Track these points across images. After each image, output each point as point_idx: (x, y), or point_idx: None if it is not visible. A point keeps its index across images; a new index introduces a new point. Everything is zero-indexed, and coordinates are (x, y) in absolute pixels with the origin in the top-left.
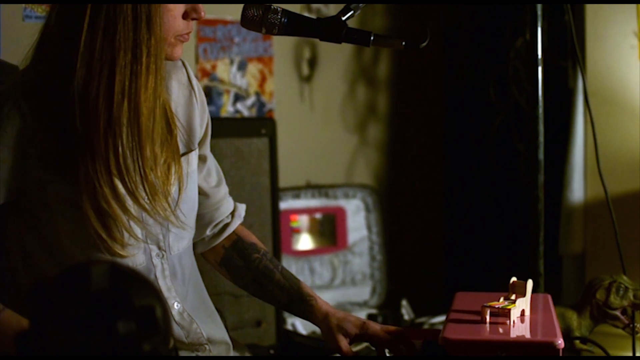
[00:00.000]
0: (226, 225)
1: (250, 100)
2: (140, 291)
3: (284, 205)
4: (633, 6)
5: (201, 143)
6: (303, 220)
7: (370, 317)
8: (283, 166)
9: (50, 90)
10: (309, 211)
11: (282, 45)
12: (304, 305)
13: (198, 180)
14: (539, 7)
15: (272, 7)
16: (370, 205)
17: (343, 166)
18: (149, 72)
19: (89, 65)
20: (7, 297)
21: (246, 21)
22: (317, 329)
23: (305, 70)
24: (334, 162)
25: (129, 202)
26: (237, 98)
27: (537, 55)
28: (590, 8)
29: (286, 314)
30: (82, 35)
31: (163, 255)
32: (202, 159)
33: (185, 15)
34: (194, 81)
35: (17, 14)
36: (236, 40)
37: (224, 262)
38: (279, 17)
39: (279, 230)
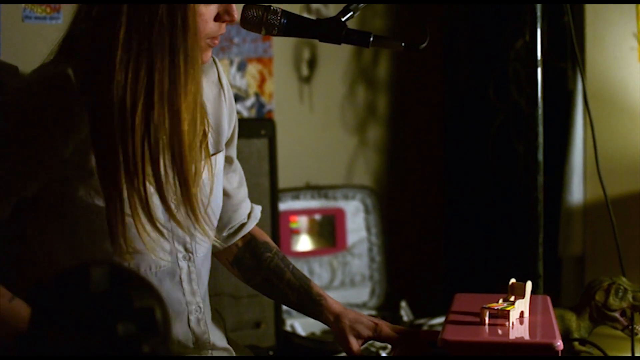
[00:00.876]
0: (242, 226)
1: (250, 101)
2: (140, 293)
3: (283, 206)
4: (633, 8)
5: (228, 144)
6: (302, 221)
7: None
8: (282, 167)
9: (87, 86)
10: (308, 212)
11: (282, 46)
12: (315, 305)
13: (223, 182)
14: (539, 8)
15: (272, 8)
16: (369, 207)
17: (342, 167)
18: (187, 77)
19: (127, 69)
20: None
21: (245, 22)
22: (316, 330)
23: (305, 71)
24: (334, 163)
25: (161, 210)
26: (237, 99)
27: (536, 56)
28: (590, 10)
29: (285, 315)
30: (119, 39)
31: (190, 258)
32: (228, 160)
33: (217, 18)
34: (224, 80)
35: (16, 14)
36: (235, 40)
37: (236, 261)
38: (279, 17)
39: (278, 231)
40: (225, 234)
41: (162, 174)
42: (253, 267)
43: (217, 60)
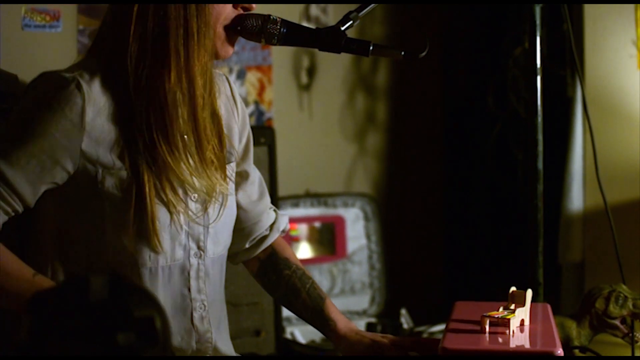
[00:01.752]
0: (264, 239)
1: (249, 109)
2: (140, 302)
3: (283, 213)
4: (632, 15)
5: (243, 159)
6: (302, 229)
7: (370, 326)
8: (282, 175)
9: (109, 76)
10: (308, 220)
11: (281, 54)
12: (324, 328)
13: (240, 196)
14: (538, 15)
15: (271, 17)
16: (369, 214)
17: (342, 175)
18: (199, 47)
19: (141, 40)
20: None
21: (245, 31)
22: (316, 338)
23: (304, 78)
24: (333, 170)
25: (181, 188)
26: None
27: (536, 64)
28: (589, 17)
29: (285, 323)
30: (133, 13)
31: (201, 255)
32: (243, 175)
33: (234, 5)
34: (237, 96)
35: (16, 23)
36: (235, 48)
37: (259, 274)
38: (278, 27)
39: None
40: (247, 245)
41: (179, 140)
42: (273, 283)
43: (230, 79)
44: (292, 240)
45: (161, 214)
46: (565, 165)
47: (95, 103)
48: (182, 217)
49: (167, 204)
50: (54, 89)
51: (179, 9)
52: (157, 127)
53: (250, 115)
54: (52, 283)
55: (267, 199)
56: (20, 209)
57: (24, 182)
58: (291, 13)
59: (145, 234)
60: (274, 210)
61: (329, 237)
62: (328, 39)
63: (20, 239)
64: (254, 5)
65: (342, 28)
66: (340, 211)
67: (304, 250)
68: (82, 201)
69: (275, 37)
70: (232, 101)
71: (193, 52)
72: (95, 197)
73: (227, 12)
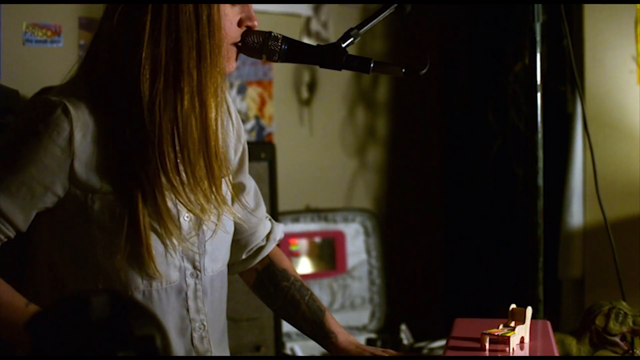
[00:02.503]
0: (260, 249)
1: (250, 124)
2: (140, 321)
3: (283, 229)
4: (631, 31)
5: (239, 171)
6: (302, 244)
7: (370, 341)
8: (282, 190)
9: (101, 99)
10: (308, 235)
11: (282, 69)
12: (324, 341)
13: (235, 208)
14: (538, 32)
15: (272, 34)
16: (369, 229)
17: (342, 190)
18: (213, 69)
19: (153, 64)
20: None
21: (247, 48)
22: (316, 353)
23: (305, 93)
24: (333, 185)
25: (178, 211)
26: None
27: (536, 80)
28: (589, 33)
29: (285, 339)
30: (145, 36)
31: (197, 275)
32: (239, 187)
33: (239, 23)
34: (233, 110)
35: (17, 38)
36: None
37: (256, 285)
38: (279, 44)
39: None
40: (244, 256)
41: (188, 163)
42: (271, 294)
43: (225, 91)
44: (292, 255)
45: (154, 240)
46: (566, 180)
47: (84, 126)
48: (175, 240)
49: (160, 230)
50: (41, 115)
51: (192, 31)
52: (167, 150)
53: (251, 130)
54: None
55: (263, 208)
56: (12, 234)
57: (15, 208)
58: (292, 28)
59: (139, 259)
60: (269, 220)
61: (329, 252)
62: (329, 56)
63: (16, 264)
64: (256, 23)
65: (343, 45)
66: (341, 226)
67: (304, 266)
68: (72, 225)
69: (277, 54)
70: (228, 114)
71: (206, 74)
72: (84, 221)
73: (234, 30)
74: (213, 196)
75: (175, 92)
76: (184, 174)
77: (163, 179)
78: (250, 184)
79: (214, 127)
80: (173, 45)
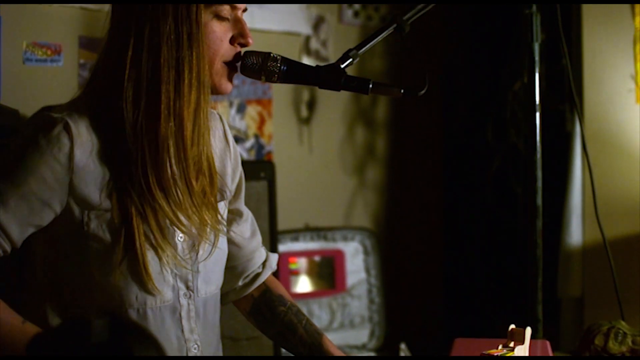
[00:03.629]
0: (257, 276)
1: (249, 142)
2: (139, 343)
3: (282, 247)
4: (630, 50)
5: (236, 198)
6: (302, 263)
7: None
8: (282, 209)
9: (100, 116)
10: (307, 254)
11: (281, 88)
12: None
13: (232, 234)
14: (537, 52)
15: (272, 55)
16: (368, 248)
17: (342, 209)
18: (191, 88)
19: (135, 84)
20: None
21: (245, 69)
22: None
23: (304, 112)
24: (333, 204)
25: (171, 228)
26: (236, 140)
27: (535, 101)
28: (587, 52)
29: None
30: (128, 55)
31: (190, 296)
32: (236, 214)
33: (232, 40)
34: (230, 137)
35: (17, 57)
36: (235, 82)
37: (252, 312)
38: (279, 65)
39: (277, 273)
40: (240, 283)
41: (170, 181)
42: (268, 320)
43: (223, 118)
44: (291, 273)
45: (150, 258)
46: (565, 199)
47: (84, 144)
48: (169, 258)
49: (155, 248)
50: (42, 131)
51: (172, 50)
52: (150, 169)
53: (250, 148)
54: (39, 330)
55: (259, 237)
56: (8, 249)
57: (12, 223)
58: (291, 47)
59: (134, 276)
60: (264, 249)
61: (328, 271)
62: (328, 76)
63: (14, 280)
64: (250, 40)
65: (342, 66)
66: (340, 245)
67: (303, 284)
68: (67, 241)
69: (276, 75)
70: (225, 140)
71: (183, 94)
72: (80, 237)
73: (225, 48)
74: (202, 217)
75: (154, 113)
76: (169, 193)
77: (150, 199)
78: (247, 212)
79: (194, 147)
80: (153, 65)
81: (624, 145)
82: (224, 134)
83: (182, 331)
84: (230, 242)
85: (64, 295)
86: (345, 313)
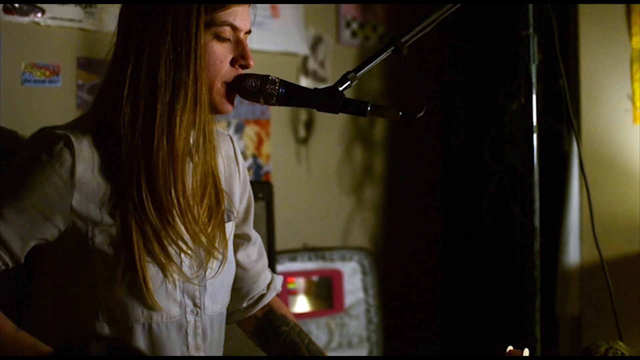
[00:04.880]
0: (261, 297)
1: (247, 162)
2: None
3: (280, 267)
4: (627, 70)
5: (244, 221)
6: (300, 283)
7: None
8: (280, 229)
9: (102, 134)
10: (305, 274)
11: (279, 108)
12: None
13: (239, 256)
14: (534, 73)
15: (270, 78)
16: (366, 268)
17: (339, 228)
18: (185, 108)
19: (133, 103)
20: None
21: (244, 92)
22: None
23: (302, 132)
24: (331, 224)
25: (173, 246)
26: None
27: (532, 123)
28: (584, 72)
29: None
30: (127, 74)
31: (197, 313)
32: (245, 237)
33: (233, 62)
34: (240, 158)
35: (16, 78)
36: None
37: (255, 332)
38: (277, 87)
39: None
40: (245, 304)
41: (165, 201)
42: (270, 340)
43: (234, 140)
44: (289, 293)
45: (153, 272)
46: (562, 219)
47: (86, 160)
48: (175, 275)
49: (158, 263)
50: (45, 147)
51: (170, 70)
52: (146, 189)
53: (248, 168)
54: (34, 339)
55: (265, 259)
56: (10, 263)
57: (14, 236)
58: (289, 67)
59: (138, 291)
60: (269, 271)
61: (326, 291)
62: (326, 99)
63: (19, 294)
64: (251, 62)
65: (340, 88)
66: (338, 265)
67: (301, 304)
68: (73, 257)
69: (274, 98)
70: (235, 162)
71: (176, 114)
72: (85, 253)
73: (226, 69)
74: (206, 236)
75: (149, 132)
76: (162, 212)
77: (143, 216)
78: (256, 236)
79: (185, 168)
80: (150, 84)
81: (621, 165)
82: (234, 154)
83: (188, 348)
84: (236, 264)
85: (69, 311)
86: (343, 333)
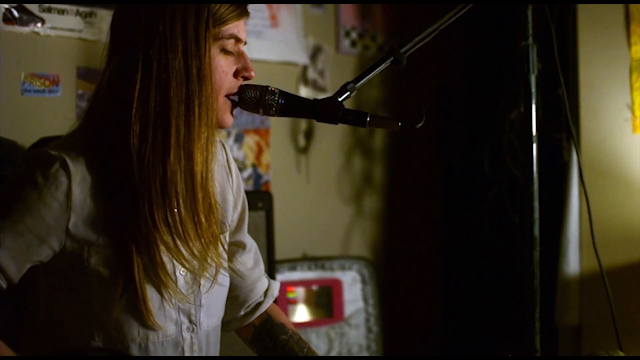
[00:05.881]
0: (259, 305)
1: (247, 172)
2: None
3: (280, 277)
4: (626, 80)
5: (239, 228)
6: (299, 292)
7: None
8: (279, 238)
9: (99, 153)
10: (305, 283)
11: (279, 118)
12: None
13: (235, 264)
14: (533, 83)
15: (269, 88)
16: (366, 277)
17: (339, 238)
18: (201, 123)
19: (143, 119)
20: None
21: (243, 102)
22: None
23: (302, 141)
24: (330, 233)
25: (174, 265)
26: None
27: (532, 132)
28: (584, 81)
29: None
30: (136, 90)
31: (193, 329)
32: (240, 245)
33: (236, 74)
34: (233, 165)
35: (16, 88)
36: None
37: (254, 340)
38: (276, 98)
39: (275, 302)
40: (242, 312)
41: (177, 216)
42: (269, 348)
43: (226, 147)
44: (289, 303)
45: (151, 293)
46: (562, 228)
47: (82, 181)
48: (171, 293)
49: (156, 283)
50: (39, 168)
51: (181, 84)
52: (157, 204)
53: (248, 178)
54: (11, 351)
55: (262, 266)
56: (4, 285)
57: (9, 260)
58: (289, 76)
59: (135, 311)
60: (266, 277)
61: (326, 300)
62: (325, 110)
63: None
64: (253, 74)
65: (340, 99)
66: (338, 274)
67: (301, 313)
68: (69, 277)
69: (273, 108)
70: (227, 169)
71: (194, 128)
72: (81, 273)
73: (229, 81)
74: (206, 252)
75: (163, 148)
76: (175, 229)
77: (155, 234)
78: (251, 242)
79: (202, 182)
80: (162, 100)
81: (620, 175)
82: (227, 162)
83: None
84: (232, 272)
85: (64, 330)
86: (343, 342)
